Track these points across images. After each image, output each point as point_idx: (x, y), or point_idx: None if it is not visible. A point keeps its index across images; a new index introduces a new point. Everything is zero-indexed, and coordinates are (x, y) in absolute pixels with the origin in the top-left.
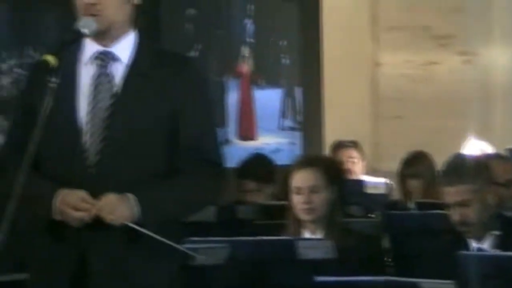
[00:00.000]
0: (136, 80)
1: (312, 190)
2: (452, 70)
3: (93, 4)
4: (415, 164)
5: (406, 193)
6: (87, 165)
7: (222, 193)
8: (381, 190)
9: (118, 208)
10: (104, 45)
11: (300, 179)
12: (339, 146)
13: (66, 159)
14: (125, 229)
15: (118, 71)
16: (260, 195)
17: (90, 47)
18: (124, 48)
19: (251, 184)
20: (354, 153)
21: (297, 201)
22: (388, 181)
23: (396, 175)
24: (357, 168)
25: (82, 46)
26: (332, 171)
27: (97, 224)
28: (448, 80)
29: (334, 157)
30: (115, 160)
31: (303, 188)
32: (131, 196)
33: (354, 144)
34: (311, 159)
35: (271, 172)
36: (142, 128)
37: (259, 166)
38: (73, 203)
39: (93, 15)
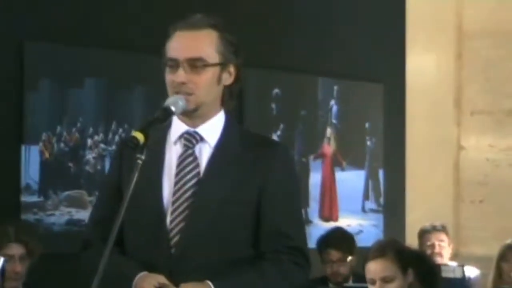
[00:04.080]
0: (222, 162)
1: (385, 280)
2: None
3: (184, 83)
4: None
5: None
6: (170, 245)
7: (307, 280)
8: (458, 275)
9: None
10: (192, 125)
11: (372, 270)
12: (429, 229)
13: (150, 238)
14: None
15: (204, 152)
16: (345, 266)
17: (179, 127)
18: (212, 129)
19: (336, 254)
20: (443, 236)
21: None
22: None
23: (480, 260)
24: (445, 252)
25: (171, 125)
26: (407, 254)
27: None
28: None
29: (422, 240)
30: (197, 242)
31: (375, 279)
32: (211, 285)
33: (443, 228)
34: (382, 247)
35: (353, 244)
36: (225, 211)
37: (342, 237)
38: None
39: (185, 93)
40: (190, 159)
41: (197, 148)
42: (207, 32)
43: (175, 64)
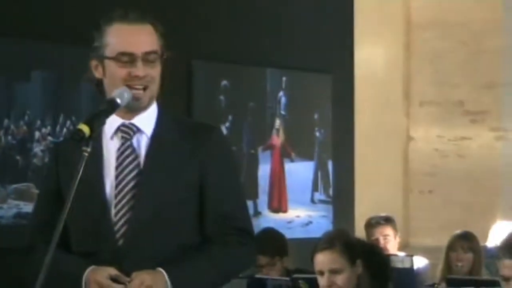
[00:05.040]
0: (160, 150)
1: (333, 271)
2: (484, 145)
3: (144, 77)
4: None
5: (449, 269)
6: (116, 238)
7: (254, 259)
8: (407, 265)
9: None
10: (127, 118)
11: (320, 262)
12: (373, 223)
13: (95, 233)
14: None
15: (142, 143)
16: (274, 269)
17: (112, 120)
18: (147, 119)
19: (264, 259)
20: (388, 230)
21: (321, 283)
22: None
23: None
24: (391, 245)
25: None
26: (355, 246)
27: None
28: (480, 156)
29: (368, 234)
30: (144, 232)
31: (324, 271)
32: (163, 273)
33: (388, 221)
34: (330, 239)
35: (283, 246)
36: (168, 198)
37: (271, 241)
38: (102, 282)
39: (139, 87)
40: (129, 151)
41: (134, 140)
42: (150, 27)
43: (131, 59)
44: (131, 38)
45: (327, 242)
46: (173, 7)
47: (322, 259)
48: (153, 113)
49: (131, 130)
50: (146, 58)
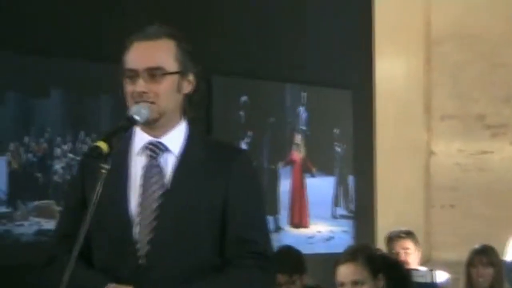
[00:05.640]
0: (186, 171)
1: (355, 284)
2: (505, 159)
3: (145, 93)
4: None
5: (471, 284)
6: (138, 256)
7: (272, 284)
8: (428, 279)
9: None
10: (155, 135)
11: (343, 273)
12: (393, 237)
13: (116, 250)
14: None
15: (169, 162)
16: (294, 287)
17: (142, 137)
18: (175, 138)
19: (283, 278)
20: (408, 243)
21: None
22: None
23: (451, 265)
24: (412, 258)
25: (134, 136)
26: (378, 259)
27: None
28: (502, 169)
29: (388, 248)
30: (164, 251)
31: (346, 282)
32: None
33: (409, 235)
34: (353, 252)
35: (301, 263)
36: (191, 220)
37: (288, 259)
38: None
39: (146, 103)
40: (156, 169)
41: (161, 158)
42: (164, 41)
43: (134, 75)
44: (136, 54)
45: (350, 254)
46: (192, 23)
47: (345, 271)
48: (182, 132)
49: (158, 149)
50: (149, 74)
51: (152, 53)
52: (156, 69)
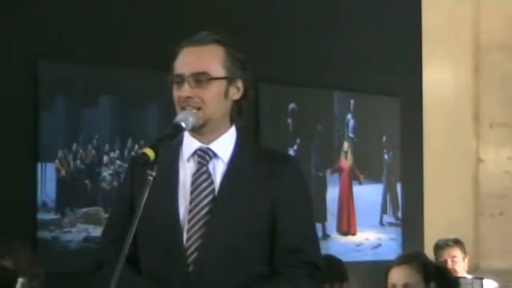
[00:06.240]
0: (236, 178)
1: (406, 287)
2: None
3: (190, 98)
4: None
5: None
6: (187, 264)
7: None
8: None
9: None
10: (205, 142)
11: (395, 276)
12: (441, 244)
13: (165, 256)
14: None
15: (218, 168)
16: None
17: (191, 143)
18: (224, 145)
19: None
20: (456, 251)
21: None
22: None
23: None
24: (459, 267)
25: (183, 142)
26: (431, 268)
27: None
28: None
29: (436, 256)
30: (213, 260)
31: (398, 285)
32: None
33: (457, 243)
34: (408, 256)
35: (343, 271)
36: (241, 227)
37: (329, 267)
38: None
39: (192, 108)
40: (205, 176)
41: (210, 165)
42: (213, 47)
43: (181, 80)
44: (184, 59)
45: (406, 257)
46: (239, 30)
47: (399, 273)
48: (231, 139)
49: (207, 155)
50: (195, 79)
51: (199, 58)
52: (201, 74)
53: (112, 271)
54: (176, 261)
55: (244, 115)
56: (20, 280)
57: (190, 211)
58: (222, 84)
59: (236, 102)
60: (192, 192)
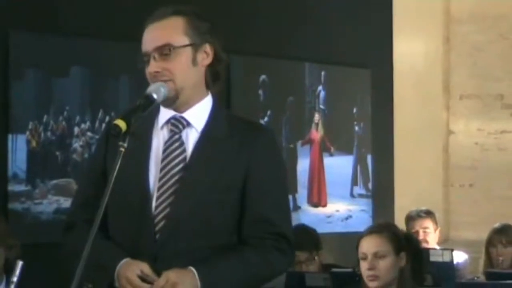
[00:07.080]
0: (208, 147)
1: (377, 255)
2: None
3: (158, 72)
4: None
5: (491, 263)
6: (155, 231)
7: (290, 266)
8: (447, 259)
9: (180, 287)
10: (179, 111)
11: (366, 245)
12: (413, 216)
13: (135, 224)
14: None
15: (191, 137)
16: (313, 264)
17: (166, 113)
18: (199, 113)
19: (303, 255)
20: (427, 223)
21: (364, 267)
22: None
23: (470, 244)
24: (431, 238)
25: (159, 111)
26: (402, 238)
27: None
28: None
29: (408, 227)
30: (181, 228)
31: (368, 254)
32: (194, 272)
33: (428, 214)
34: (379, 226)
35: (318, 240)
36: (210, 196)
37: (307, 236)
38: (132, 280)
39: (162, 81)
40: (177, 144)
41: (183, 133)
42: (172, 19)
43: (148, 58)
44: (146, 37)
45: (376, 227)
46: (210, 2)
47: (368, 242)
48: (206, 108)
49: (180, 124)
50: (159, 53)
51: (159, 32)
52: (164, 47)
53: (82, 233)
54: (143, 229)
55: (221, 79)
56: None
57: (160, 179)
58: (187, 52)
59: (209, 67)
60: (163, 160)
